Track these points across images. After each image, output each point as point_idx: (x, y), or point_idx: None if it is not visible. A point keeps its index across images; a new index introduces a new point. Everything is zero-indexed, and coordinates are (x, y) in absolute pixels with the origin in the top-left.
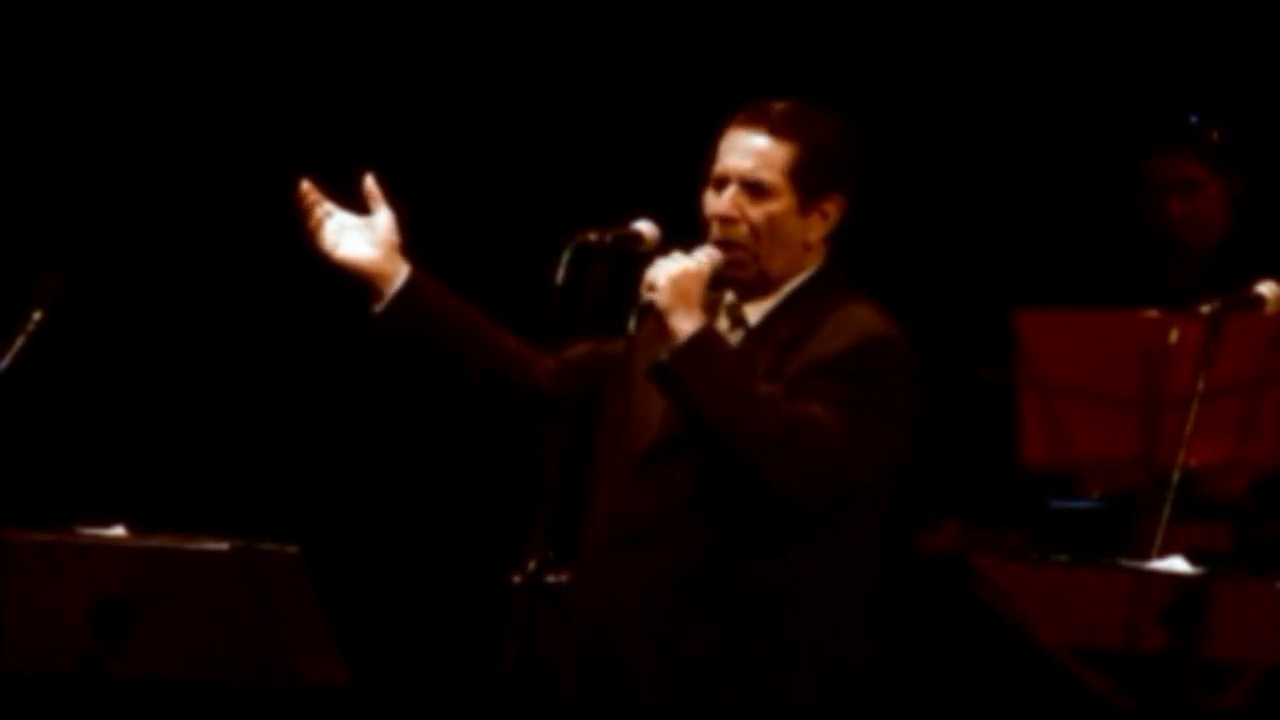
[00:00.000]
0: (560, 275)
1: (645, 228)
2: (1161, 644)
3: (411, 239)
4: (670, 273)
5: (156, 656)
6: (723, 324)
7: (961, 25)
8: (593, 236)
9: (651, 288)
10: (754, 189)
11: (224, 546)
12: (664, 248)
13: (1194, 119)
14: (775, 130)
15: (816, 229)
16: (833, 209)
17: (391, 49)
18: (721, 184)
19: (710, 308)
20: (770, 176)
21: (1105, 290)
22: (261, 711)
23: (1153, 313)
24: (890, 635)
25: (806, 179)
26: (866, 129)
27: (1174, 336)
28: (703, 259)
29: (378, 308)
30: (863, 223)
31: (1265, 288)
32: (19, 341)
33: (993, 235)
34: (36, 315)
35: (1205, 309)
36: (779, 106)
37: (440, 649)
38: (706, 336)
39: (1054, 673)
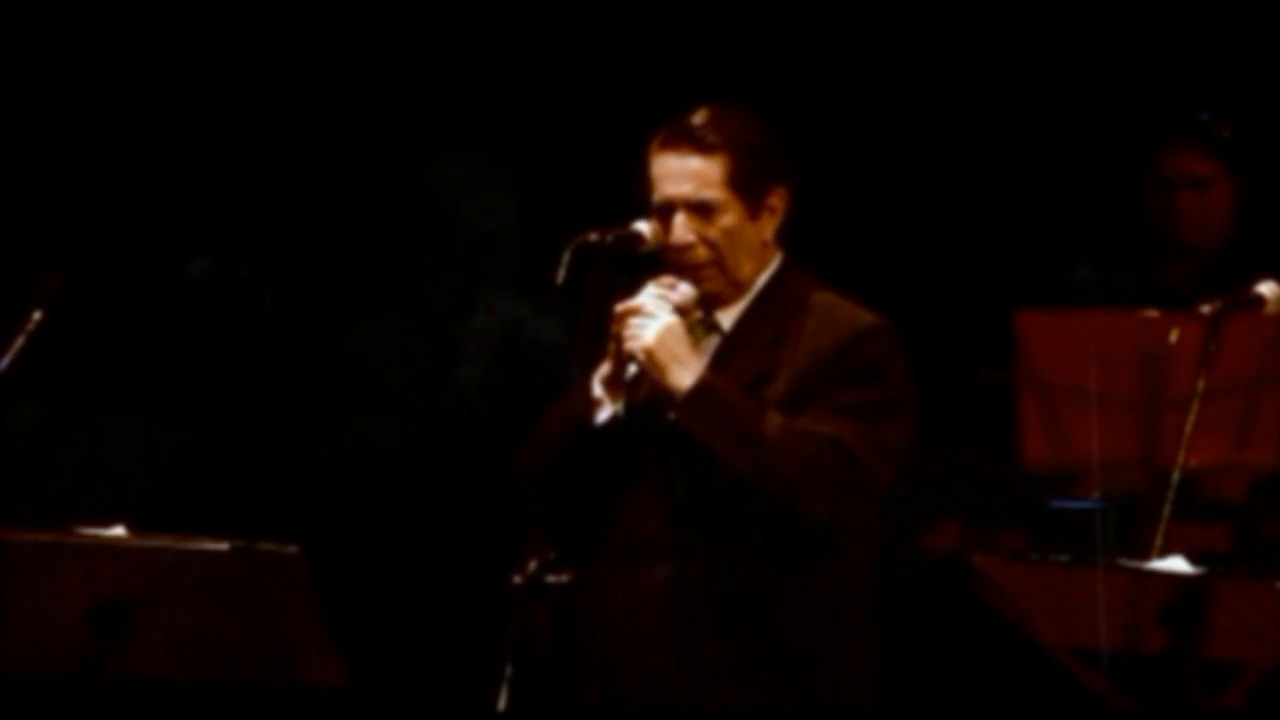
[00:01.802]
0: (560, 275)
1: (645, 228)
2: (1161, 644)
3: (412, 239)
4: (654, 336)
5: (156, 656)
6: (696, 334)
7: (966, 22)
8: (593, 237)
9: (640, 352)
10: (701, 209)
11: (224, 546)
12: (631, 285)
13: (1205, 116)
14: (701, 146)
15: (769, 225)
16: (778, 202)
17: (392, 51)
18: (665, 211)
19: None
20: (713, 194)
21: (1105, 290)
22: (261, 711)
23: (1153, 313)
24: (890, 635)
25: (746, 184)
26: (866, 129)
27: (1174, 336)
28: (676, 299)
29: (602, 416)
30: (863, 223)
31: (1265, 288)
32: (19, 341)
33: (992, 235)
34: (36, 315)
35: (1205, 309)
36: (696, 121)
37: (440, 649)
38: (708, 386)
39: (1054, 673)
